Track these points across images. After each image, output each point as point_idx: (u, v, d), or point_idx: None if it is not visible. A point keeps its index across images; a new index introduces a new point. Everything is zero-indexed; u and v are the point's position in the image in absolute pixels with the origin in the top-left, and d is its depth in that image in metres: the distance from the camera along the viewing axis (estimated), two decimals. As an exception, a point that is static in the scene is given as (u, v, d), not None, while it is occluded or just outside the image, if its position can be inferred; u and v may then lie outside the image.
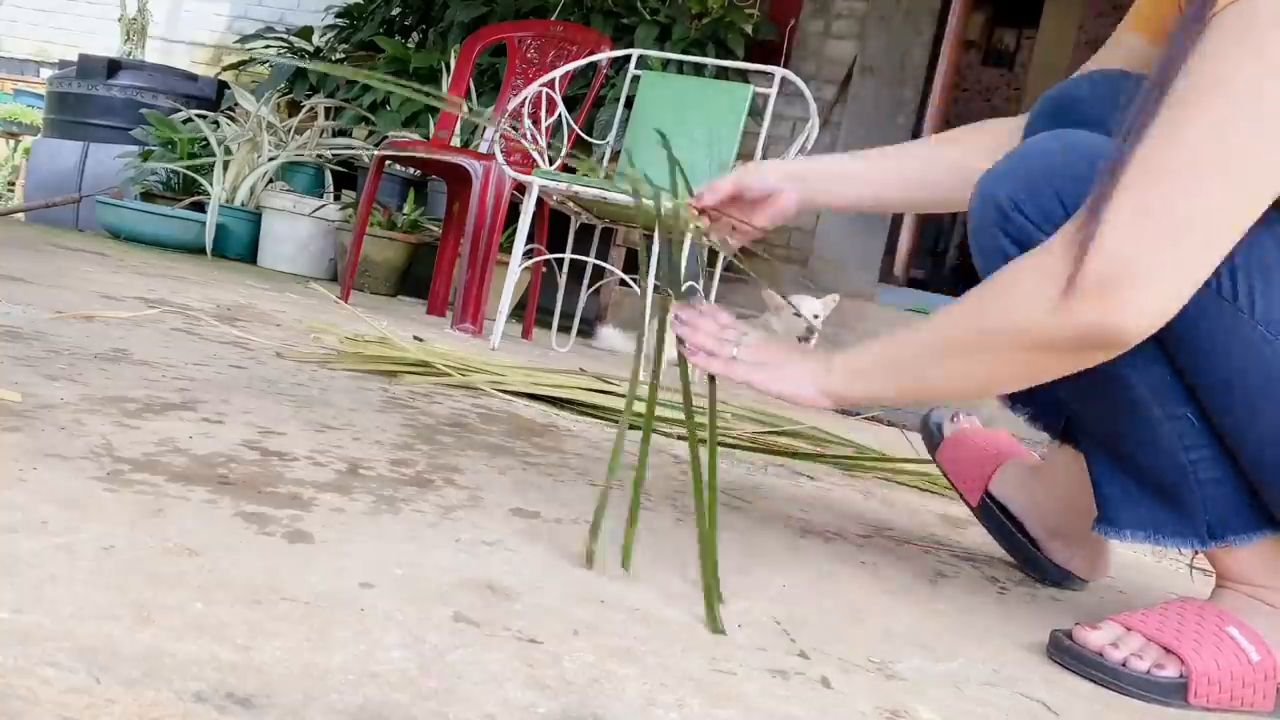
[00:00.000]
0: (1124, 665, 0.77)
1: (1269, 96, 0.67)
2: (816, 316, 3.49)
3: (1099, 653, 0.78)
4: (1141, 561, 1.37)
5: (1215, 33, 0.69)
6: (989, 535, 1.15)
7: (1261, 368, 0.75)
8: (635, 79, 3.02)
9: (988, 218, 0.84)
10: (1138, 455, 0.84)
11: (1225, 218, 0.69)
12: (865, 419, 2.77)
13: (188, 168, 4.47)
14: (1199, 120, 0.68)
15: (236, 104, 4.66)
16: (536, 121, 2.92)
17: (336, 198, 4.47)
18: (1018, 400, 1.08)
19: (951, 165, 1.05)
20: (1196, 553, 0.92)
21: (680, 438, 1.59)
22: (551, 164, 2.98)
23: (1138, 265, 0.69)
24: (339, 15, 5.21)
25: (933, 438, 1.20)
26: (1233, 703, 0.77)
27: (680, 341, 0.93)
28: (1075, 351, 0.75)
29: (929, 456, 1.21)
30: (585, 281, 3.14)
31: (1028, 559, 1.10)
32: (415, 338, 2.07)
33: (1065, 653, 0.80)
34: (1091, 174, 0.75)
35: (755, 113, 3.06)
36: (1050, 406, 1.07)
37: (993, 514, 1.12)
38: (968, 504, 1.14)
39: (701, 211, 1.08)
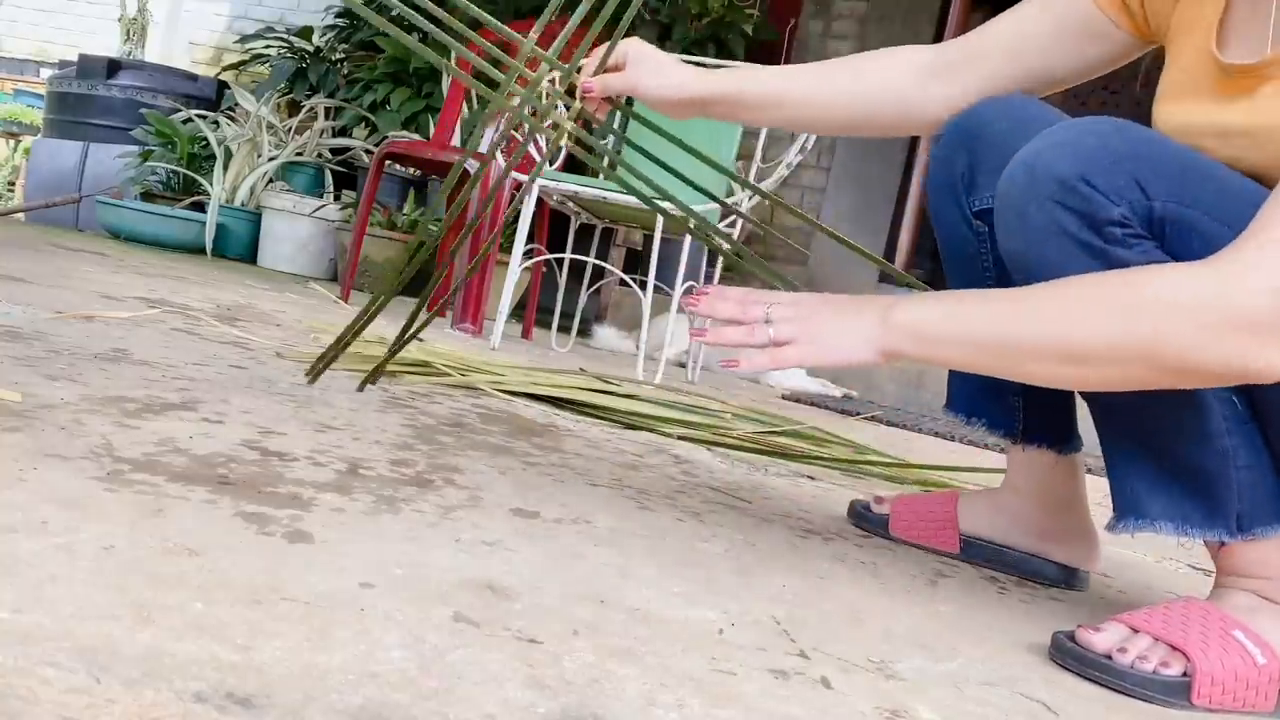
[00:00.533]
0: (1131, 667, 0.77)
1: None
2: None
3: (1107, 655, 0.78)
4: (1142, 561, 1.37)
5: None
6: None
7: None
8: (635, 79, 3.02)
9: (1041, 191, 0.81)
10: (1180, 443, 0.83)
11: None
12: (865, 419, 2.77)
13: (188, 168, 4.47)
14: None
15: (236, 104, 4.67)
16: (536, 121, 2.91)
17: (336, 198, 4.48)
18: (974, 412, 1.09)
19: (881, 81, 1.04)
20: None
21: (681, 438, 1.59)
22: (551, 164, 2.98)
23: None
24: (339, 15, 5.21)
25: (869, 519, 1.17)
26: (1235, 704, 0.77)
27: (699, 333, 0.86)
28: (1216, 378, 0.73)
29: (884, 532, 1.16)
30: (585, 281, 3.14)
31: (1031, 570, 1.10)
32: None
33: (1069, 655, 0.79)
34: (1174, 168, 0.76)
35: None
36: (1007, 412, 1.07)
37: (978, 549, 1.12)
38: (949, 555, 1.13)
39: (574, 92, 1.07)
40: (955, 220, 1.02)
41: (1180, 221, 0.79)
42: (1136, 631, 0.80)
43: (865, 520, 1.18)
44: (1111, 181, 0.79)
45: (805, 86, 1.06)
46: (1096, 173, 0.79)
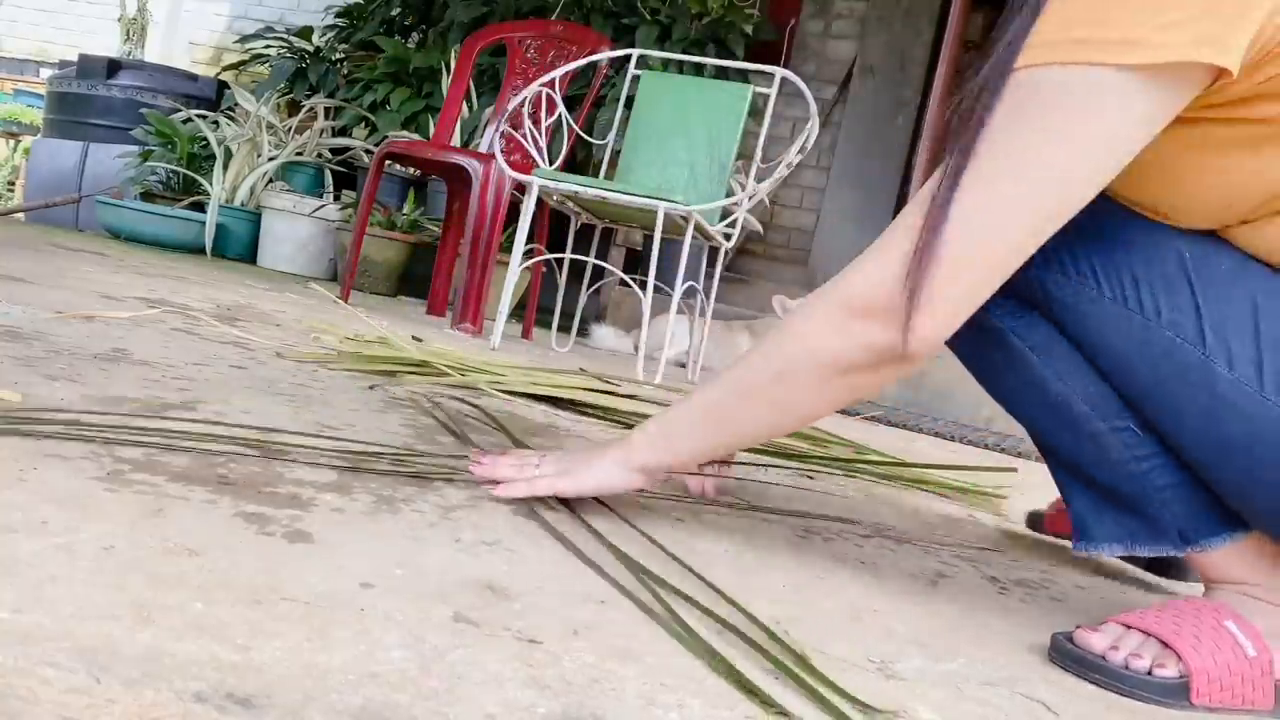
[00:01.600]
0: (1126, 667, 0.77)
1: (1031, 160, 0.70)
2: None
3: (1101, 656, 0.78)
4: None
5: (1006, 95, 0.70)
6: (988, 539, 1.14)
7: (1176, 372, 0.76)
8: (635, 79, 3.02)
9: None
10: (1094, 470, 0.86)
11: (986, 261, 0.73)
12: (865, 419, 2.77)
13: (188, 168, 4.47)
14: (968, 178, 0.72)
15: (236, 104, 4.67)
16: (536, 122, 2.92)
17: (336, 198, 4.48)
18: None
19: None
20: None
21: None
22: (551, 164, 2.98)
23: (917, 294, 0.74)
24: (339, 15, 5.21)
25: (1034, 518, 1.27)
26: (1234, 701, 0.77)
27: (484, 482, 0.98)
28: (875, 369, 0.79)
29: (1005, 467, 1.28)
30: (585, 281, 3.14)
31: (1169, 564, 1.11)
32: (414, 337, 2.07)
33: (1067, 656, 0.80)
34: None
35: (755, 113, 3.07)
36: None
37: None
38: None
39: None
40: None
41: (1022, 280, 0.80)
42: (1130, 629, 0.80)
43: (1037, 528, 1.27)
44: None
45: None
46: None
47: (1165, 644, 0.78)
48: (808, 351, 0.81)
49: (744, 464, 1.49)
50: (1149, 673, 0.76)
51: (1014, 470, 1.50)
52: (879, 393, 0.82)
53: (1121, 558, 1.08)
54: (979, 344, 0.88)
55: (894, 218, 0.82)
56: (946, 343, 0.82)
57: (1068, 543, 1.17)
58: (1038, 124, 0.69)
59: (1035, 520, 1.36)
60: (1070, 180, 0.70)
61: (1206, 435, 0.76)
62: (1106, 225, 0.80)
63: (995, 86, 0.70)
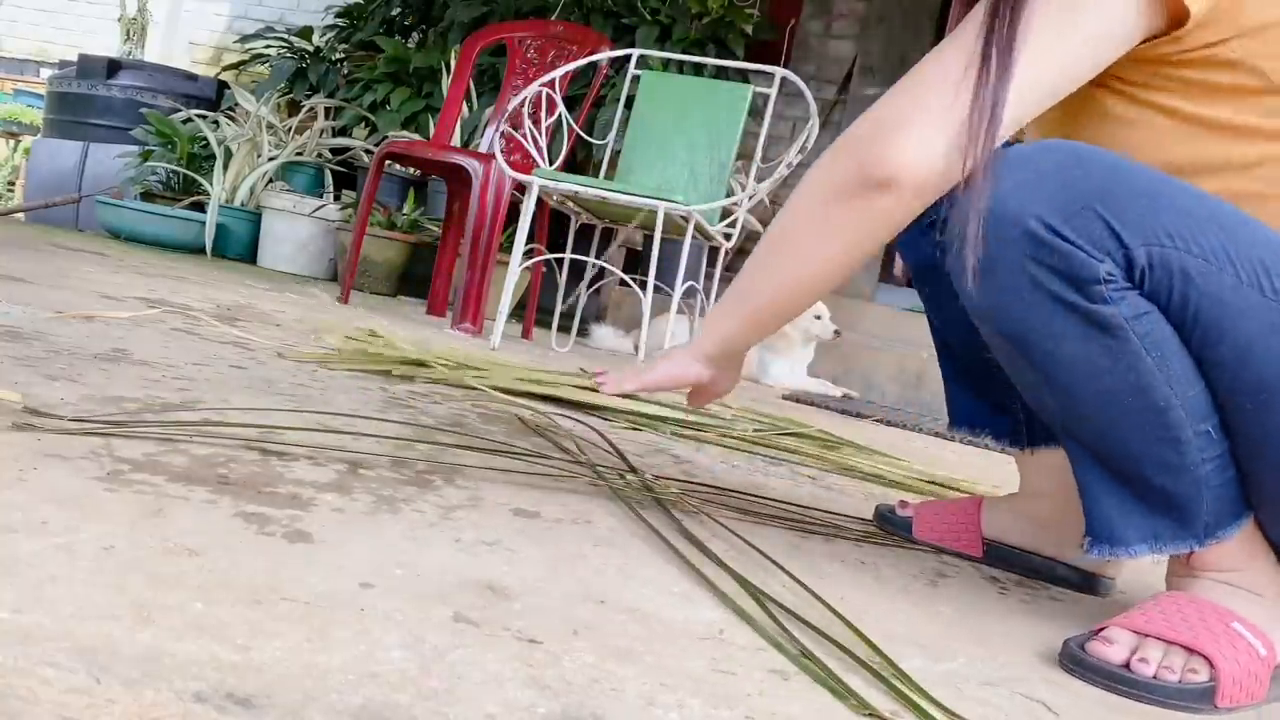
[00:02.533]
0: (1156, 678, 0.76)
1: (1041, 20, 0.79)
2: (819, 317, 3.49)
3: (1126, 666, 0.77)
4: (1139, 562, 1.37)
5: None
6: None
7: None
8: (635, 79, 3.02)
9: (1010, 247, 0.79)
10: (1152, 471, 0.82)
11: (990, 99, 0.79)
12: (865, 419, 2.77)
13: (188, 168, 4.47)
14: (966, 31, 0.81)
15: (236, 104, 4.67)
16: (536, 122, 2.92)
17: (336, 198, 4.47)
18: (976, 424, 1.11)
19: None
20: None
21: (674, 435, 1.59)
22: (551, 164, 2.98)
23: (904, 117, 0.82)
24: (339, 15, 5.21)
25: (894, 522, 1.18)
26: (1248, 699, 0.77)
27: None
28: (863, 194, 0.84)
29: (907, 535, 1.16)
30: (585, 281, 3.14)
31: (1054, 576, 1.09)
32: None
33: (1089, 669, 0.78)
34: (1143, 203, 0.77)
35: (755, 113, 3.07)
36: (1011, 420, 1.09)
37: (1001, 554, 1.12)
38: (972, 558, 1.13)
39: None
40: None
41: (1160, 264, 0.77)
42: (1145, 637, 0.79)
43: (890, 523, 1.19)
44: (1086, 231, 0.76)
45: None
46: (1066, 220, 0.77)
47: (1190, 650, 0.77)
48: (810, 190, 0.89)
49: (744, 463, 1.49)
50: (1180, 682, 0.76)
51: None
52: (880, 239, 0.88)
53: (1047, 580, 1.09)
54: (1087, 341, 0.79)
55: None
56: (1024, 339, 0.82)
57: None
58: (1054, 18, 0.79)
59: (887, 518, 1.21)
60: (1072, 52, 0.80)
61: None
62: (1223, 211, 0.78)
63: None
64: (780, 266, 0.94)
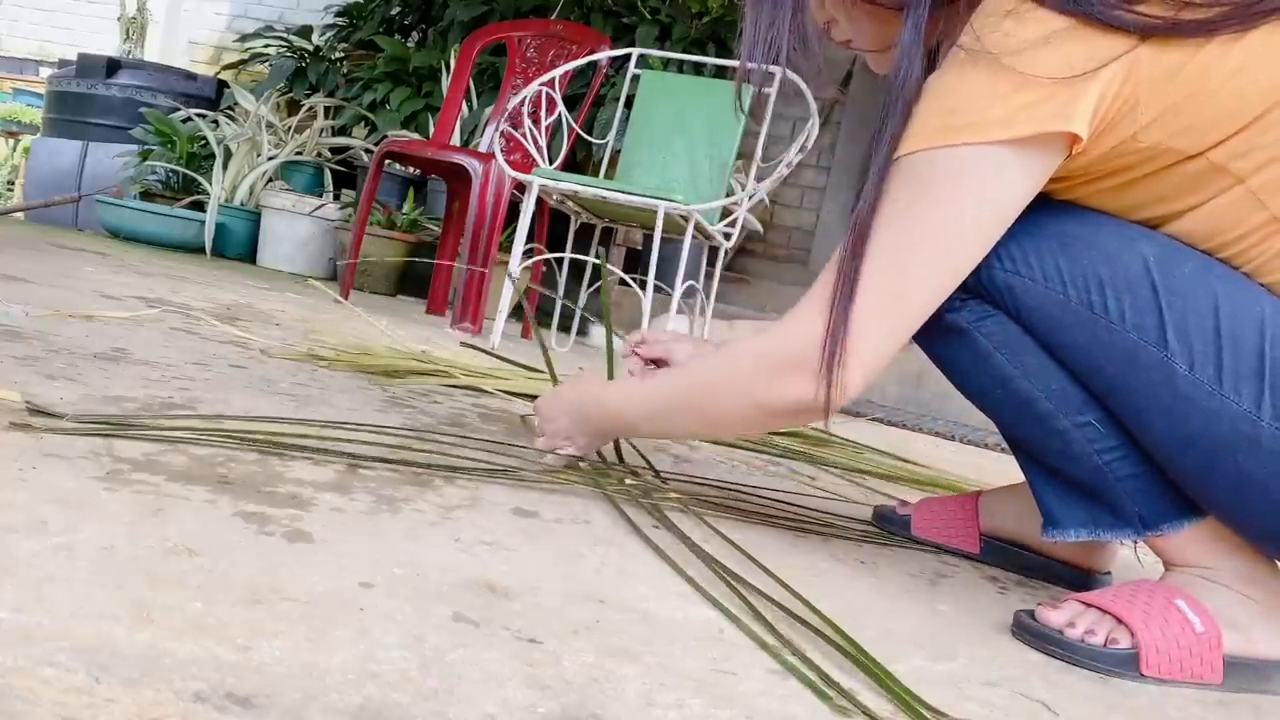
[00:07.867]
0: (1082, 640, 0.81)
1: (926, 229, 0.80)
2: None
3: (1059, 630, 0.83)
4: (1138, 561, 1.37)
5: (895, 176, 0.82)
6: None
7: (1140, 372, 0.80)
8: (635, 78, 3.02)
9: None
10: (1059, 462, 0.89)
11: (894, 322, 0.83)
12: (865, 419, 2.77)
13: (187, 167, 4.46)
14: (872, 250, 0.82)
15: (236, 103, 4.66)
16: (536, 121, 2.92)
17: (336, 197, 4.47)
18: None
19: None
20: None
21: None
22: (551, 163, 2.98)
23: (832, 360, 0.83)
24: (339, 14, 5.20)
25: (893, 521, 1.19)
26: (1183, 674, 0.80)
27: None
28: (792, 415, 0.89)
29: (906, 534, 1.17)
30: (585, 281, 3.14)
31: (1049, 575, 1.10)
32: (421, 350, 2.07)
33: (1028, 631, 0.84)
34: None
35: (755, 112, 3.06)
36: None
37: (997, 550, 1.12)
38: (969, 556, 1.13)
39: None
40: None
41: (989, 281, 0.86)
42: (1088, 606, 0.84)
43: (889, 523, 1.20)
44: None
45: None
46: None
47: (1119, 619, 0.82)
48: (739, 394, 0.91)
49: (743, 463, 1.49)
50: (1104, 645, 0.81)
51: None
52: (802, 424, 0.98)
53: (1044, 578, 1.10)
54: (947, 344, 0.91)
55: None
56: (916, 341, 0.91)
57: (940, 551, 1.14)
58: (926, 198, 0.79)
59: (886, 518, 1.21)
60: (960, 241, 0.80)
61: (1169, 432, 0.80)
62: (1071, 230, 0.84)
63: (882, 176, 0.82)
64: (695, 428, 1.05)
